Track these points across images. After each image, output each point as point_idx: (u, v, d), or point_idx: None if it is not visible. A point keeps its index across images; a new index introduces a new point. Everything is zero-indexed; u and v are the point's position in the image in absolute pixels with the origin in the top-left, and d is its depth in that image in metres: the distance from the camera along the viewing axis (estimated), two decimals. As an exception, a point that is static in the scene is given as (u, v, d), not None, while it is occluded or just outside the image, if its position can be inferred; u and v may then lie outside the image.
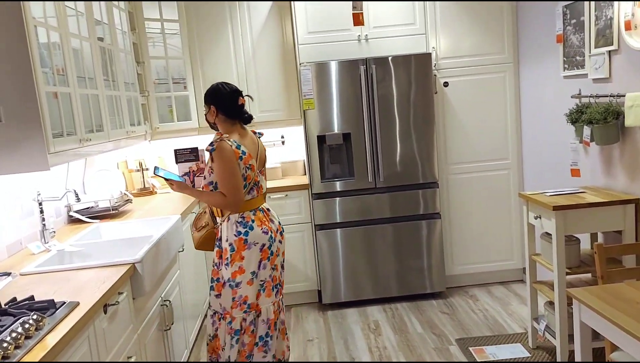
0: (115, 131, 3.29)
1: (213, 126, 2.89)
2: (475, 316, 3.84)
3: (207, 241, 2.90)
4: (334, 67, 3.95)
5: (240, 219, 2.75)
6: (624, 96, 2.76)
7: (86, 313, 1.85)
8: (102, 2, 3.30)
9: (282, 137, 4.72)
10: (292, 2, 4.03)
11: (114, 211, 3.45)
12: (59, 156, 2.44)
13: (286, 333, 3.03)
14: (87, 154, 2.88)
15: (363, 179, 4.06)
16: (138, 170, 4.30)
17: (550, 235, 2.94)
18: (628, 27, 2.73)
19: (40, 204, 2.82)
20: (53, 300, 1.88)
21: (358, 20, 3.50)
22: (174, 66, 4.32)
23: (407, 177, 4.06)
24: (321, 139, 4.04)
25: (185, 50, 4.25)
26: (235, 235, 2.74)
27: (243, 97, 2.83)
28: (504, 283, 4.41)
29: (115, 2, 3.59)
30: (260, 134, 3.06)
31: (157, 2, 4.09)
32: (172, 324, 2.93)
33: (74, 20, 2.84)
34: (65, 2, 2.72)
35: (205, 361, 3.30)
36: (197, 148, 4.40)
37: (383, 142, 4.00)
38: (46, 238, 2.80)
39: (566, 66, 3.42)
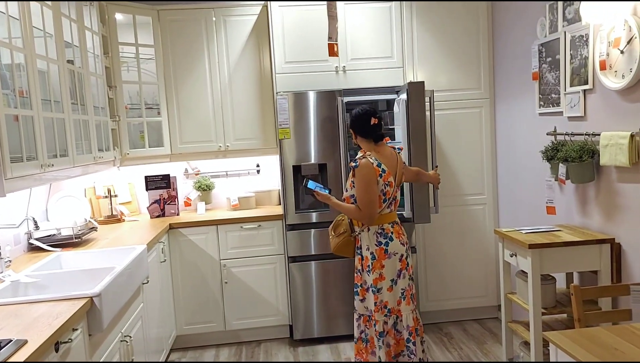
0: (82, 156, 3.18)
1: (359, 147, 3.12)
2: (450, 355, 3.74)
3: (344, 247, 3.08)
4: (311, 97, 3.91)
5: (380, 231, 2.99)
6: (599, 134, 2.76)
7: (34, 352, 1.73)
8: (73, 25, 3.21)
9: (258, 166, 4.64)
10: (270, 30, 4.01)
11: (77, 240, 3.31)
12: (16, 181, 2.32)
13: (423, 341, 3.16)
14: (50, 180, 2.76)
15: (338, 211, 3.98)
16: (106, 196, 4.16)
17: (526, 273, 2.89)
18: (603, 66, 2.74)
19: (-5, 231, 2.68)
20: (-3, 338, 1.74)
21: (333, 51, 3.47)
22: (148, 91, 4.23)
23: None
24: (297, 169, 3.97)
25: (160, 75, 4.17)
26: (376, 245, 2.98)
27: (375, 117, 3.03)
28: (479, 320, 4.33)
29: (89, 26, 3.51)
30: (400, 149, 3.34)
31: (132, 27, 4.02)
32: (132, 361, 2.77)
33: (42, 41, 2.75)
34: (34, 24, 2.64)
35: None
36: (168, 175, 4.34)
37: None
38: (0, 268, 2.64)
39: (542, 103, 3.43)
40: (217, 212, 4.37)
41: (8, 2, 2.40)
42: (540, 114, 3.47)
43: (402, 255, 3.02)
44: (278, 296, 4.13)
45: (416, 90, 3.70)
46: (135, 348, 2.85)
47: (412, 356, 3.03)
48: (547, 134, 3.34)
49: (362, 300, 3.08)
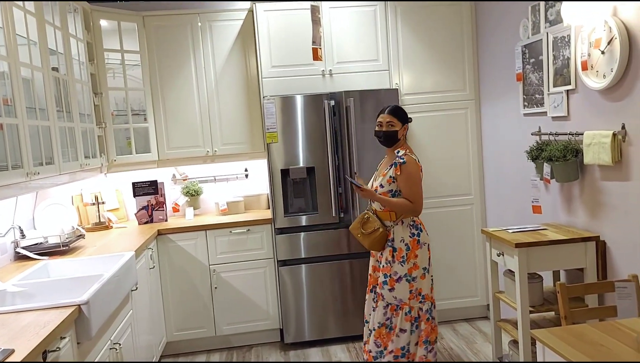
0: (69, 164, 3.16)
1: (390, 142, 3.22)
2: (440, 355, 3.76)
3: (381, 241, 3.18)
4: (298, 101, 3.92)
5: (412, 223, 3.17)
6: (583, 134, 2.79)
7: (21, 362, 1.71)
8: (58, 32, 3.20)
9: (246, 170, 4.63)
10: (256, 35, 4.01)
11: (64, 248, 3.29)
12: (1, 190, 2.31)
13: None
14: (36, 188, 2.74)
15: (327, 214, 4.00)
16: (93, 204, 4.14)
17: (513, 272, 2.91)
18: (584, 67, 2.78)
19: (-19, 241, 2.66)
20: (-17, 348, 1.73)
21: (317, 55, 3.48)
22: (134, 98, 4.22)
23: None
24: (285, 172, 3.97)
25: (146, 81, 4.16)
26: (410, 236, 3.14)
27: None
28: (469, 320, 4.36)
29: (74, 33, 3.50)
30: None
31: (117, 33, 4.01)
32: (124, 361, 2.76)
33: (26, 49, 2.73)
34: (17, 32, 2.62)
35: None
36: (156, 181, 4.32)
37: (352, 176, 3.96)
38: (-13, 278, 2.62)
39: (526, 103, 3.47)
40: (205, 217, 4.36)
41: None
42: (525, 114, 3.51)
43: (429, 245, 3.23)
44: (268, 300, 4.13)
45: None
46: (125, 355, 2.84)
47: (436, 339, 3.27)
48: (531, 134, 3.38)
49: (390, 290, 3.16)
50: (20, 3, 2.67)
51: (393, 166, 3.14)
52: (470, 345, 3.89)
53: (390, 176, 3.15)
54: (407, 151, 3.19)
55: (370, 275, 3.37)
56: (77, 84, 3.47)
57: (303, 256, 4.02)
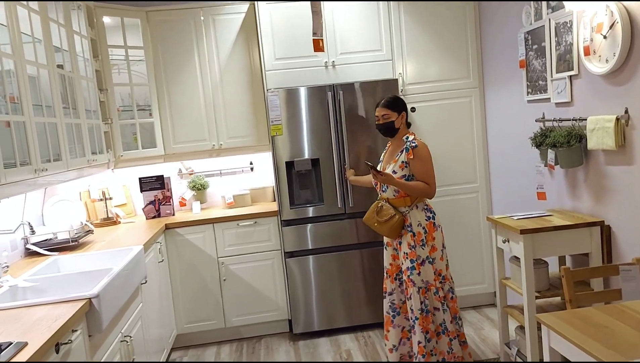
0: (76, 160, 3.19)
1: (390, 132, 3.33)
2: (448, 342, 3.78)
3: (398, 228, 3.25)
4: (302, 93, 3.93)
5: (425, 206, 3.28)
6: (586, 119, 2.79)
7: (34, 354, 1.75)
8: (62, 30, 3.23)
9: (251, 163, 4.66)
10: (258, 28, 4.02)
11: (73, 243, 3.33)
12: (10, 187, 2.34)
13: None
14: (44, 184, 2.78)
15: (333, 205, 4.02)
16: (101, 199, 4.18)
17: (519, 258, 2.92)
18: (587, 52, 2.78)
19: (-8, 237, 2.70)
20: (-3, 341, 1.77)
21: (318, 46, 3.49)
22: (139, 93, 4.25)
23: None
24: (290, 165, 4.00)
25: (150, 76, 4.19)
26: (426, 219, 3.25)
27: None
28: (476, 308, 4.38)
29: (77, 30, 3.52)
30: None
31: (121, 29, 4.04)
32: (133, 361, 2.80)
33: (31, 47, 2.76)
34: (22, 30, 2.65)
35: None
36: (162, 175, 4.35)
37: (352, 167, 3.98)
38: (-2, 273, 2.67)
39: (529, 90, 3.47)
40: (212, 211, 4.39)
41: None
42: (529, 101, 3.51)
43: (441, 227, 3.33)
44: (277, 291, 4.16)
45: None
46: (135, 348, 2.88)
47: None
48: (535, 120, 3.38)
49: (419, 274, 3.24)
50: (24, 2, 2.70)
51: (404, 151, 3.22)
52: (478, 331, 3.91)
53: (403, 161, 3.22)
54: (415, 136, 3.27)
55: (390, 264, 3.41)
56: (82, 81, 3.50)
57: (310, 247, 4.04)
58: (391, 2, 4.07)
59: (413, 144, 3.20)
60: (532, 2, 3.31)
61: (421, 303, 3.23)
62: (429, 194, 3.23)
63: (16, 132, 2.48)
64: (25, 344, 1.81)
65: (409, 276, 3.24)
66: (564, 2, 2.89)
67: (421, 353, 3.21)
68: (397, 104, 3.30)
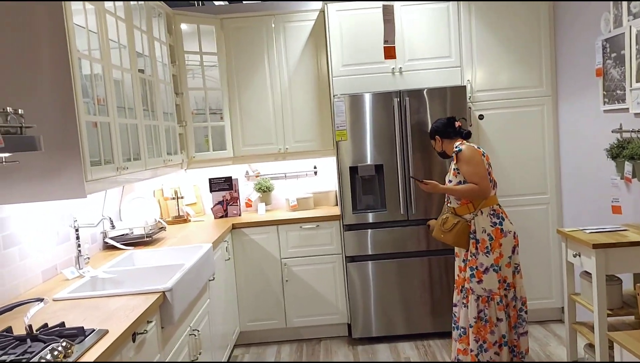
0: (153, 160, 3.36)
1: (443, 156, 3.53)
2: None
3: (463, 236, 3.25)
4: (367, 99, 3.96)
5: (492, 212, 3.25)
6: (668, 131, 2.67)
7: (114, 342, 1.86)
8: (144, 36, 3.41)
9: (315, 167, 4.73)
10: (327, 35, 4.09)
11: (147, 239, 3.50)
12: (95, 183, 2.50)
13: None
14: (124, 182, 2.94)
15: (395, 211, 4.02)
16: (173, 198, 4.37)
17: (590, 274, 2.82)
18: (671, 61, 2.65)
19: (76, 230, 2.89)
20: (82, 327, 1.90)
21: (389, 53, 3.53)
22: (212, 97, 4.41)
23: (440, 210, 3.99)
24: (353, 170, 4.03)
25: (223, 81, 4.35)
26: (491, 226, 3.22)
27: (457, 121, 3.44)
28: (542, 323, 4.24)
29: (157, 37, 3.71)
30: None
31: (197, 36, 4.22)
32: (200, 354, 2.92)
33: (117, 52, 2.94)
34: (110, 36, 2.83)
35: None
36: (230, 177, 4.50)
37: (416, 174, 3.96)
38: (80, 264, 2.85)
39: (606, 100, 3.34)
40: (276, 213, 4.49)
41: (87, 17, 2.59)
42: (605, 111, 3.38)
43: (514, 233, 3.27)
44: (337, 295, 4.20)
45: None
46: (202, 342, 3.00)
47: (524, 324, 3.31)
48: (612, 131, 3.25)
49: (479, 282, 3.23)
50: (112, 10, 2.88)
51: (453, 159, 3.32)
52: (544, 347, 3.80)
53: (454, 169, 3.31)
54: (463, 141, 3.35)
55: (457, 276, 3.39)
56: (160, 85, 3.68)
57: (370, 253, 4.06)
58: (461, 7, 4.03)
59: (457, 150, 3.28)
60: (612, 7, 3.19)
61: (479, 312, 3.20)
62: (479, 194, 3.21)
63: (101, 133, 2.64)
64: (106, 332, 1.93)
65: (469, 284, 3.21)
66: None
67: (473, 360, 3.16)
68: (430, 133, 3.53)
